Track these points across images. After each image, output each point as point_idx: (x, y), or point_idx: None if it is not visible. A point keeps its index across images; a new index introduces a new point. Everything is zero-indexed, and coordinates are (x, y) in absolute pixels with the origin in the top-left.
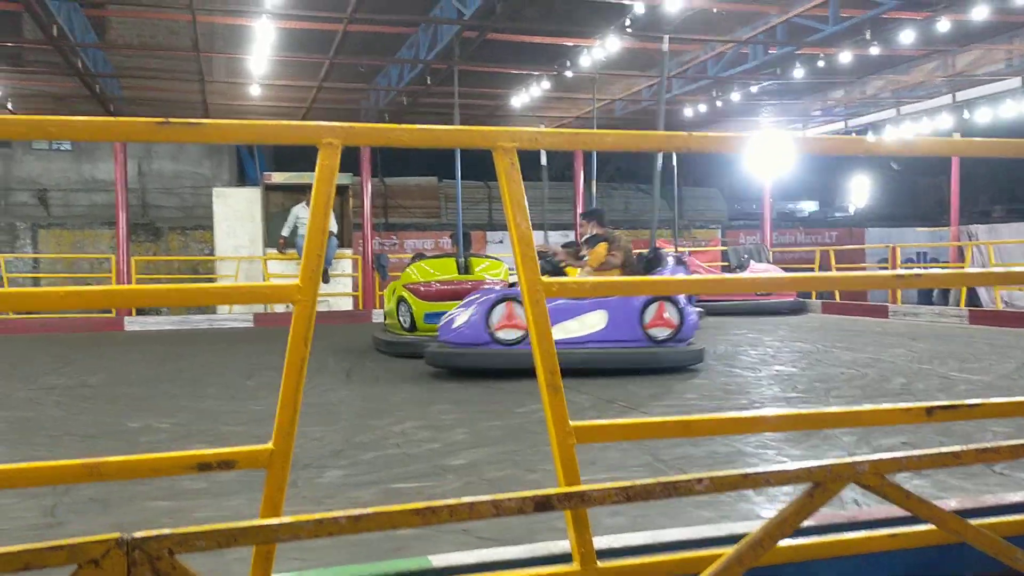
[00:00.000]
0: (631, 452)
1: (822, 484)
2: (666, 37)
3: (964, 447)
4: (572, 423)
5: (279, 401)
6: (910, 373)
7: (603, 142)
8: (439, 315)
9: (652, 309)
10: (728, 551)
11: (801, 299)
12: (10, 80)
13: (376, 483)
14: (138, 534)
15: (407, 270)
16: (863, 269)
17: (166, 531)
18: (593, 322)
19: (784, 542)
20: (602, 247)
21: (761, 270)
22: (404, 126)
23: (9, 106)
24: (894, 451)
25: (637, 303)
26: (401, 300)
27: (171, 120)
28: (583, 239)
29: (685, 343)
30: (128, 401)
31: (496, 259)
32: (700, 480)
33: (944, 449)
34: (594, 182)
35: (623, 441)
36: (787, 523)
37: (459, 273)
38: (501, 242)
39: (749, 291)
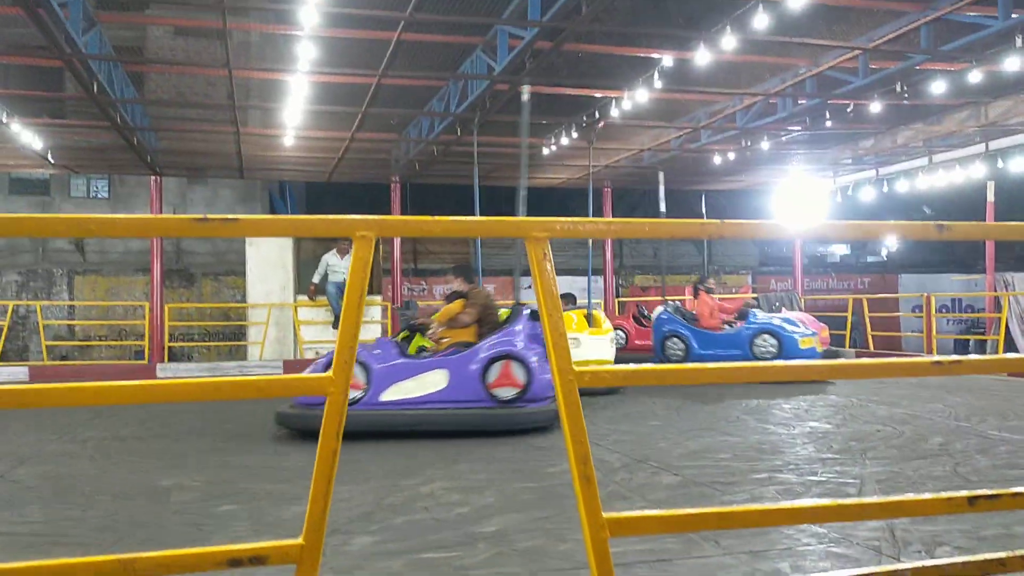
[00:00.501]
0: None
1: None
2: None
3: (1010, 554)
4: (606, 515)
5: (310, 495)
6: (947, 431)
7: (640, 231)
8: None
9: (496, 368)
10: None
11: (834, 348)
12: (52, 133)
13: (406, 552)
14: None
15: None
16: (896, 317)
17: None
18: (433, 381)
19: None
20: (456, 304)
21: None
22: (436, 218)
23: (50, 157)
24: (933, 539)
25: (479, 363)
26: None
27: (208, 216)
28: (446, 295)
29: (537, 403)
30: (160, 457)
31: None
32: None
33: (988, 556)
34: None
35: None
36: None
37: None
38: (529, 287)
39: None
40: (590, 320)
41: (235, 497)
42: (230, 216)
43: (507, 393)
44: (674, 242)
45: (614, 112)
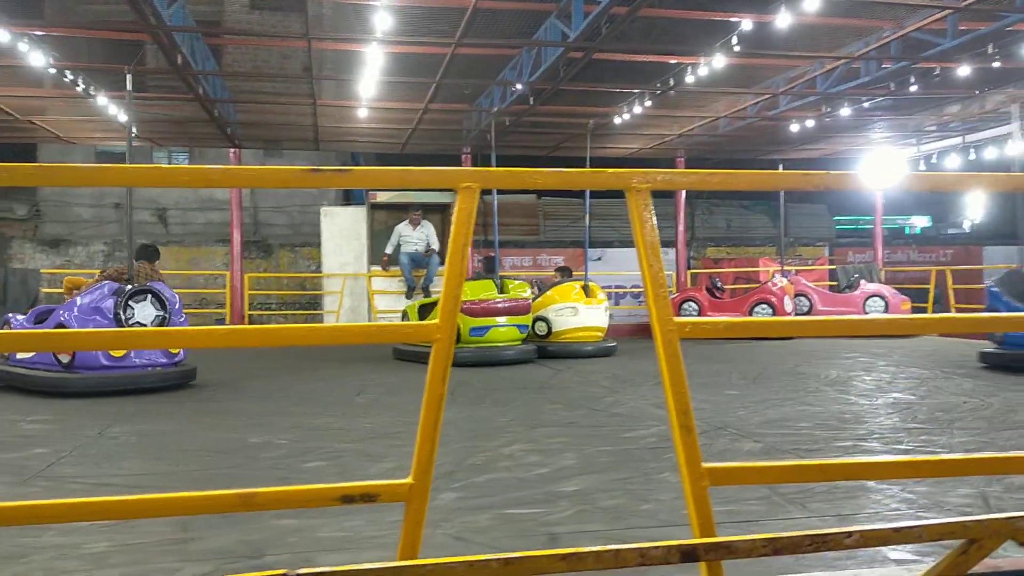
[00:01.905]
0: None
1: (978, 541)
2: None
3: None
4: (705, 464)
5: (418, 436)
6: None
7: (738, 182)
8: (482, 329)
9: None
10: None
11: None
12: (134, 106)
13: (489, 508)
14: (301, 571)
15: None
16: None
17: (326, 569)
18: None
19: None
20: None
21: (873, 291)
22: (539, 170)
23: (134, 131)
24: None
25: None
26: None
27: (321, 168)
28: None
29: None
30: (248, 416)
31: (522, 281)
32: (850, 534)
33: None
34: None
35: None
36: None
37: (497, 293)
38: (599, 259)
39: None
40: (587, 291)
41: (321, 454)
42: (342, 168)
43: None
44: (748, 213)
45: (689, 78)
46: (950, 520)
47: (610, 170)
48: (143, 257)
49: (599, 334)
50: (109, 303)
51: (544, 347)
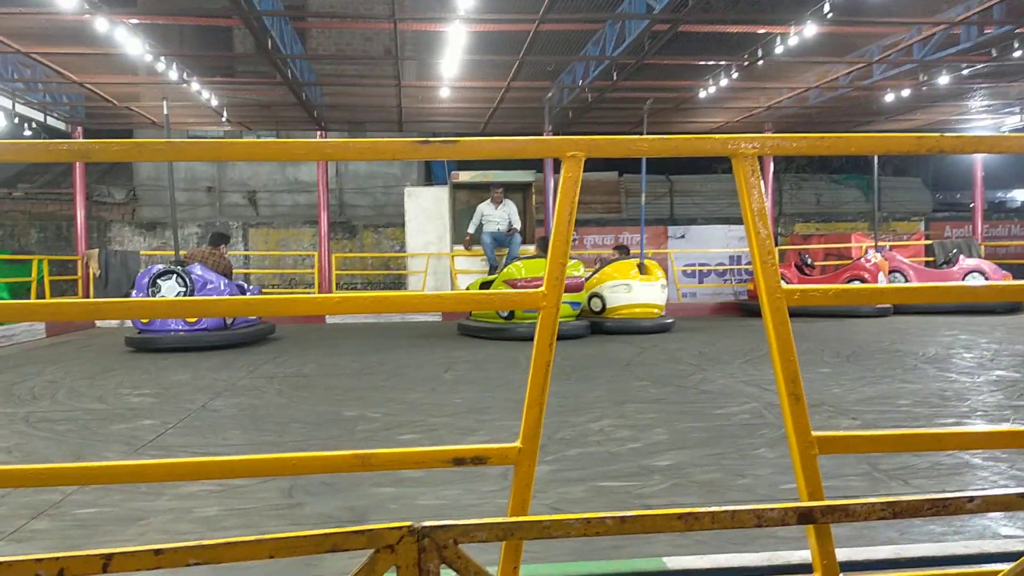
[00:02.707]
0: (847, 460)
1: None
2: None
3: None
4: (815, 433)
5: (526, 401)
6: None
7: (848, 146)
8: None
9: None
10: (998, 569)
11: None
12: (224, 90)
13: (583, 480)
14: (427, 523)
15: (509, 268)
16: None
17: (451, 522)
18: None
19: None
20: None
21: (972, 266)
22: (644, 137)
23: (225, 114)
24: None
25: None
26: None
27: (431, 140)
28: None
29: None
30: (340, 391)
31: (576, 260)
32: (972, 499)
33: None
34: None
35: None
36: None
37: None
38: (683, 237)
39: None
40: (642, 269)
41: (414, 427)
42: (450, 139)
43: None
44: (838, 187)
45: (778, 49)
46: None
47: (716, 136)
48: (211, 242)
49: (655, 311)
50: (146, 281)
51: (600, 323)
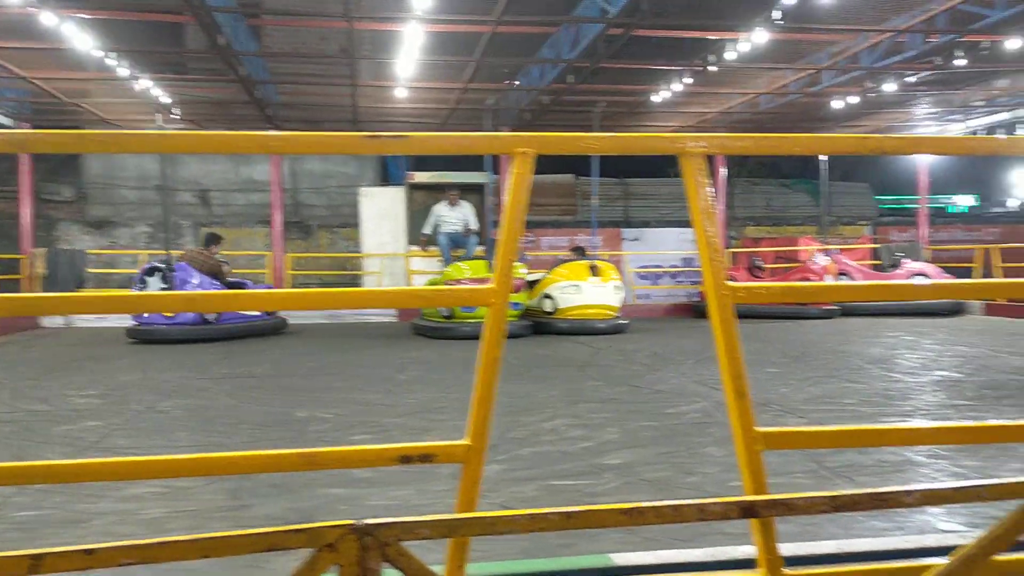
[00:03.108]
0: (793, 458)
1: None
2: None
3: None
4: (759, 429)
5: (475, 398)
6: None
7: (793, 146)
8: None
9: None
10: (934, 563)
11: (961, 300)
12: (176, 88)
13: (535, 479)
14: (369, 521)
15: (448, 269)
16: None
17: (394, 520)
18: None
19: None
20: None
21: (917, 269)
22: (594, 135)
23: (176, 112)
24: None
25: None
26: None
27: (380, 134)
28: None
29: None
30: (292, 392)
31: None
32: (910, 492)
33: None
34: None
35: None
36: (1001, 540)
37: (490, 272)
38: (636, 239)
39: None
40: (595, 270)
41: (366, 427)
42: (400, 134)
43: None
44: (788, 192)
45: (730, 54)
46: (1012, 480)
47: (665, 134)
48: (204, 243)
49: (609, 312)
50: (138, 277)
51: (552, 324)
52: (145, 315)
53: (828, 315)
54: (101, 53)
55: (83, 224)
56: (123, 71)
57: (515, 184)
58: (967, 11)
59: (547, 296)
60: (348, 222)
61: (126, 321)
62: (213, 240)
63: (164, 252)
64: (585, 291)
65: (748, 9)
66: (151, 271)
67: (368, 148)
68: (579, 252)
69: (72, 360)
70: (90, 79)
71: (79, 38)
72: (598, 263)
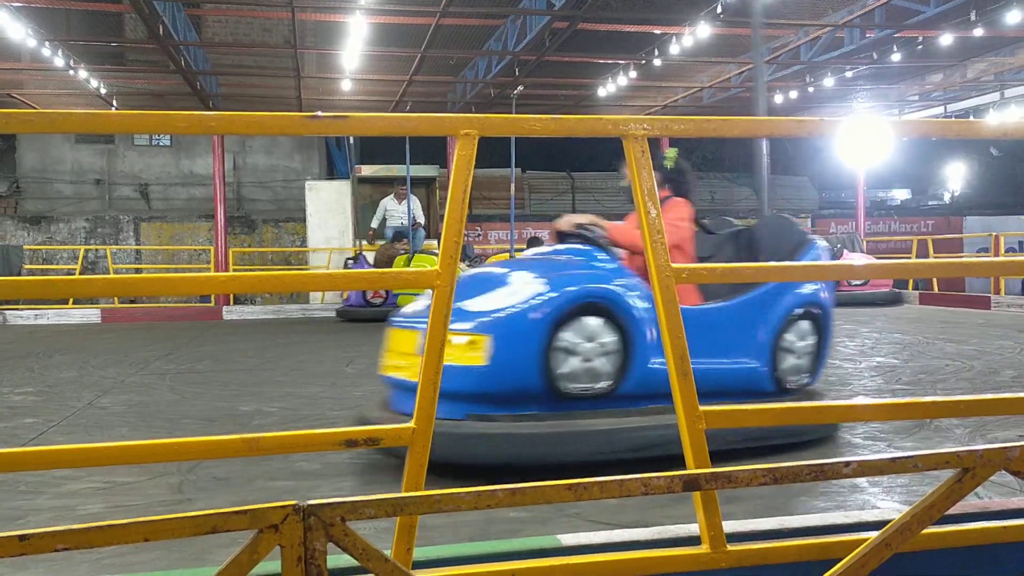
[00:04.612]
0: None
1: (972, 470)
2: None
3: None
4: (701, 407)
5: (420, 382)
6: (1020, 365)
7: (733, 129)
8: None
9: None
10: (872, 536)
11: (897, 290)
12: (114, 79)
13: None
14: (313, 501)
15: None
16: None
17: (338, 499)
18: None
19: (928, 529)
20: None
21: (855, 260)
22: (538, 117)
23: (114, 103)
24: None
25: None
26: None
27: (320, 114)
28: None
29: None
30: (236, 387)
31: (432, 256)
32: (847, 464)
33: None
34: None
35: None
36: (935, 508)
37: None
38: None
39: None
40: None
41: (312, 421)
42: (341, 114)
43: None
44: (731, 184)
45: (673, 48)
46: (945, 450)
47: (608, 117)
48: None
49: None
50: None
51: None
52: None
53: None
54: (35, 42)
55: (18, 220)
56: (59, 61)
57: (459, 165)
58: (902, 7)
59: None
60: (293, 216)
61: (61, 319)
62: None
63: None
64: None
65: (691, 4)
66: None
67: (308, 129)
68: (536, 243)
69: (7, 357)
70: (24, 69)
71: (12, 27)
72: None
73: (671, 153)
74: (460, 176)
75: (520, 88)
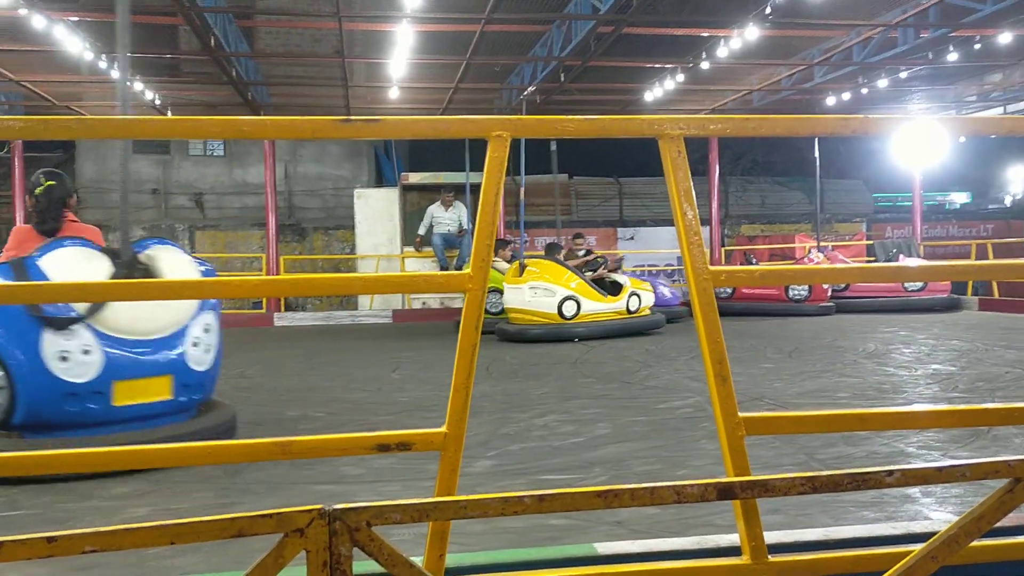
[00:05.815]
0: (784, 451)
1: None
2: None
3: None
4: (741, 415)
5: (452, 386)
6: None
7: (773, 128)
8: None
9: None
10: (918, 548)
11: (955, 295)
12: (168, 90)
13: (524, 473)
14: (338, 506)
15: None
16: None
17: (364, 504)
18: None
19: (976, 542)
20: None
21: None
22: (571, 117)
23: (168, 114)
24: None
25: None
26: (492, 290)
27: (352, 118)
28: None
29: None
30: (284, 392)
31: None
32: (891, 472)
33: None
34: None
35: (777, 438)
36: (984, 520)
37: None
38: (631, 239)
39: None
40: (522, 270)
41: (357, 426)
42: (372, 117)
43: None
44: (782, 190)
45: (722, 52)
46: (994, 459)
47: (641, 117)
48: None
49: (539, 318)
50: None
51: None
52: None
53: (824, 312)
54: (92, 55)
55: None
56: (115, 74)
57: (490, 167)
58: (958, 5)
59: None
60: (343, 224)
61: None
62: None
63: None
64: (507, 295)
65: (740, 6)
66: None
67: (340, 132)
68: (502, 245)
69: None
70: (82, 82)
71: (70, 41)
72: (533, 262)
73: None
74: (492, 178)
75: (531, 88)
